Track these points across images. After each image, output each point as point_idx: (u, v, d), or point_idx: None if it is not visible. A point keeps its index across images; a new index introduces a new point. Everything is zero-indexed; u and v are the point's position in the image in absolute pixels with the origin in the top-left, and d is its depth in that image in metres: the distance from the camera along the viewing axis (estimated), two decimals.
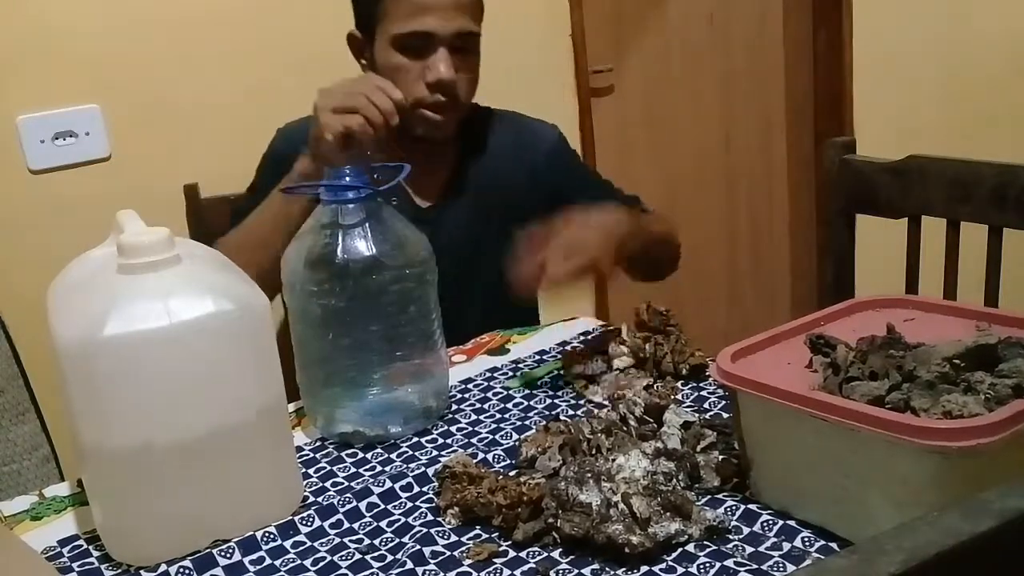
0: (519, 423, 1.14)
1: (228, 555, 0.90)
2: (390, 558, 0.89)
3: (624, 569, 0.83)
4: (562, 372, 1.25)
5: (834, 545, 0.84)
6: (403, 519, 0.95)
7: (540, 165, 1.54)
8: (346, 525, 0.95)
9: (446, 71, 1.36)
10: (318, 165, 1.29)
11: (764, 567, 0.82)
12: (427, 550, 0.89)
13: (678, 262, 1.58)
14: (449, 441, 1.11)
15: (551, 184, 1.52)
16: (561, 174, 1.55)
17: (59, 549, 0.95)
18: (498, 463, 1.04)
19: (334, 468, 1.07)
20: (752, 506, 0.90)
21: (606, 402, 1.16)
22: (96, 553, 0.94)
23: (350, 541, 0.93)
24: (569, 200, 1.45)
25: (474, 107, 1.51)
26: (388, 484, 1.00)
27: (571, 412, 1.15)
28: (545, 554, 0.87)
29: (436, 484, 0.98)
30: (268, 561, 0.90)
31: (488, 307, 1.47)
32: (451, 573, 0.85)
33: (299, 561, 0.90)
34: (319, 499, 1.00)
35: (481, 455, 1.05)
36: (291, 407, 1.16)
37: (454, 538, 0.91)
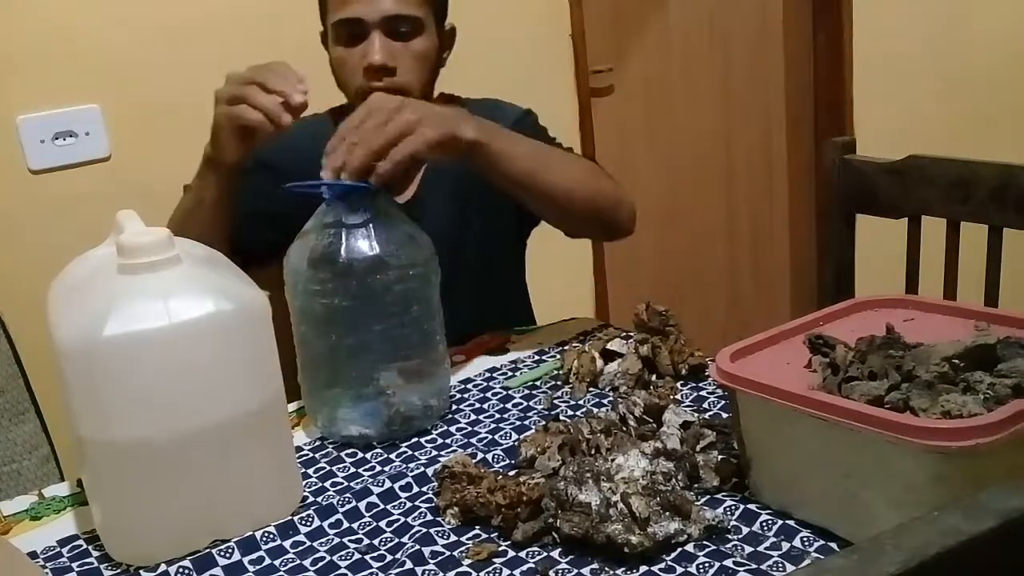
0: (518, 423, 1.14)
1: (227, 555, 0.90)
2: (389, 558, 0.89)
3: (623, 569, 0.83)
4: (561, 372, 1.25)
5: (834, 545, 0.84)
6: (402, 519, 0.95)
7: None
8: (345, 525, 0.95)
9: (376, 55, 1.34)
10: (218, 159, 1.27)
11: (763, 567, 0.82)
12: (426, 550, 0.89)
13: (613, 231, 1.43)
14: (448, 441, 1.11)
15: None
16: None
17: (59, 549, 0.95)
18: (497, 463, 1.04)
19: (334, 468, 1.08)
20: (751, 506, 0.90)
21: (605, 402, 1.16)
22: (96, 553, 0.94)
23: (349, 541, 0.93)
24: None
25: (449, 97, 1.51)
26: (387, 484, 1.00)
27: (570, 412, 1.15)
28: (544, 554, 0.87)
29: (435, 484, 0.98)
30: (268, 561, 0.90)
31: (472, 301, 1.46)
32: (450, 573, 0.86)
33: (298, 561, 0.90)
34: (318, 499, 1.00)
35: (480, 455, 1.05)
36: (291, 407, 1.16)
37: (453, 538, 0.91)
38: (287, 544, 0.92)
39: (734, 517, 0.89)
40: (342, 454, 1.10)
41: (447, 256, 1.43)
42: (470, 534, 0.91)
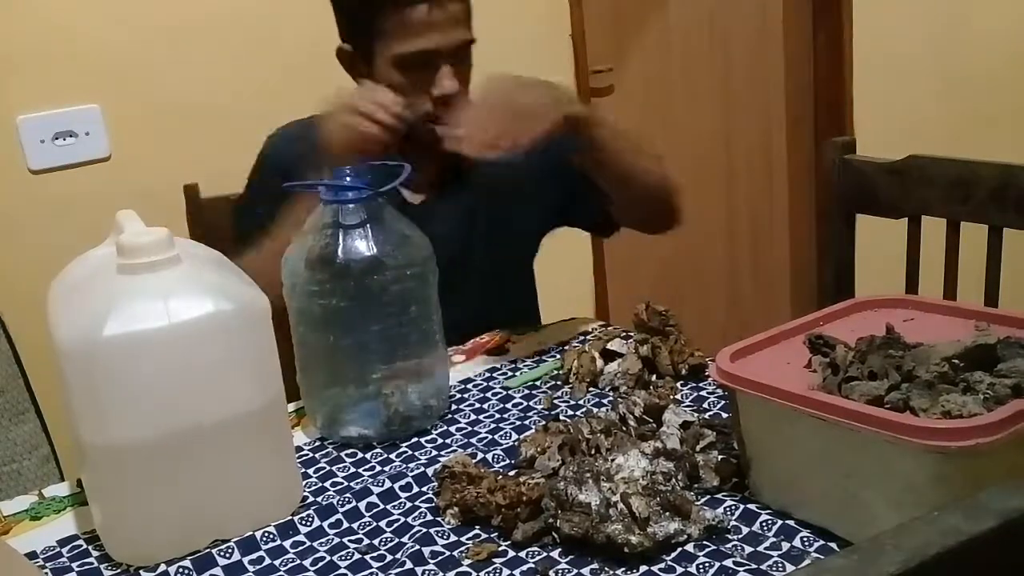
0: (518, 423, 1.14)
1: (227, 555, 0.90)
2: (389, 558, 0.89)
3: (623, 569, 0.83)
4: (561, 372, 1.25)
5: (834, 545, 0.84)
6: (402, 519, 0.95)
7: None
8: (345, 525, 0.95)
9: (452, 86, 1.36)
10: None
11: (763, 567, 0.82)
12: (426, 550, 0.89)
13: (672, 217, 1.56)
14: (448, 441, 1.11)
15: (547, 163, 1.45)
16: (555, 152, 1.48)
17: (59, 549, 0.95)
18: (497, 463, 1.04)
19: (333, 468, 1.07)
20: (751, 506, 0.90)
21: (605, 402, 1.16)
22: (96, 553, 0.94)
23: (349, 541, 0.93)
24: (573, 173, 1.46)
25: None
26: (387, 484, 1.00)
27: (570, 412, 1.15)
28: (544, 554, 0.87)
29: (435, 484, 0.98)
30: (268, 561, 0.90)
31: (480, 301, 1.47)
32: (450, 573, 0.86)
33: (298, 561, 0.90)
34: (318, 499, 1.00)
35: (480, 455, 1.05)
36: (291, 407, 1.16)
37: (453, 538, 0.91)
38: (287, 544, 0.92)
39: (734, 517, 0.89)
40: (342, 454, 1.10)
41: (456, 257, 1.45)
42: (470, 534, 0.91)
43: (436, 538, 0.91)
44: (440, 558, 0.88)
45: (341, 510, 0.97)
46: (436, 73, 1.36)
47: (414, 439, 1.12)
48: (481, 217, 1.50)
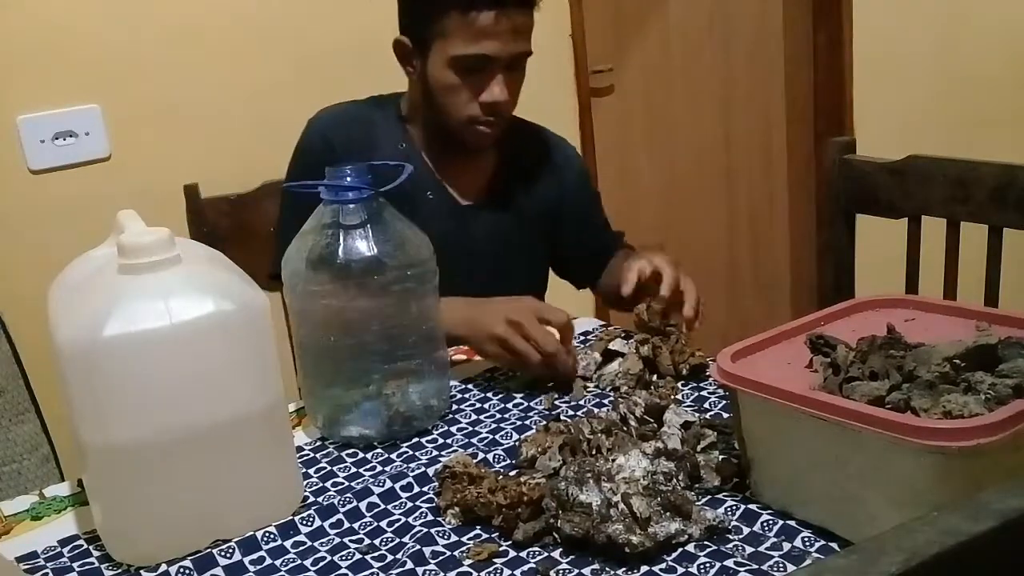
0: (519, 423, 1.14)
1: (228, 555, 0.90)
2: (390, 558, 0.89)
3: (624, 569, 0.83)
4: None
5: (834, 545, 0.84)
6: (403, 519, 0.95)
7: (571, 185, 1.58)
8: (346, 525, 0.95)
9: (501, 94, 1.37)
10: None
11: (764, 567, 0.82)
12: (427, 550, 0.89)
13: None
14: (449, 441, 1.11)
15: (575, 204, 1.57)
16: (584, 198, 1.61)
17: (59, 549, 0.95)
18: (498, 463, 1.04)
19: (334, 468, 1.07)
20: (752, 506, 0.90)
21: (606, 402, 1.16)
22: (96, 553, 0.94)
23: (350, 541, 0.93)
24: (581, 225, 1.57)
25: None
26: (388, 484, 1.00)
27: (571, 412, 1.15)
28: (545, 554, 0.87)
29: (436, 484, 0.98)
30: (268, 561, 0.90)
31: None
32: (451, 573, 0.85)
33: (299, 561, 0.90)
34: (319, 499, 1.00)
35: (481, 455, 1.05)
36: (291, 407, 1.16)
37: (454, 538, 0.91)
38: (288, 544, 0.92)
39: (735, 517, 0.89)
40: (343, 454, 1.10)
41: (500, 259, 1.47)
42: (471, 534, 0.91)
43: (437, 538, 0.91)
44: (441, 558, 0.88)
45: (342, 510, 0.97)
46: (489, 80, 1.37)
47: (415, 439, 1.12)
48: (525, 228, 1.53)
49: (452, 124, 1.41)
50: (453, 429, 1.14)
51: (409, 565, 0.87)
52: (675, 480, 0.91)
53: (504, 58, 1.36)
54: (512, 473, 0.99)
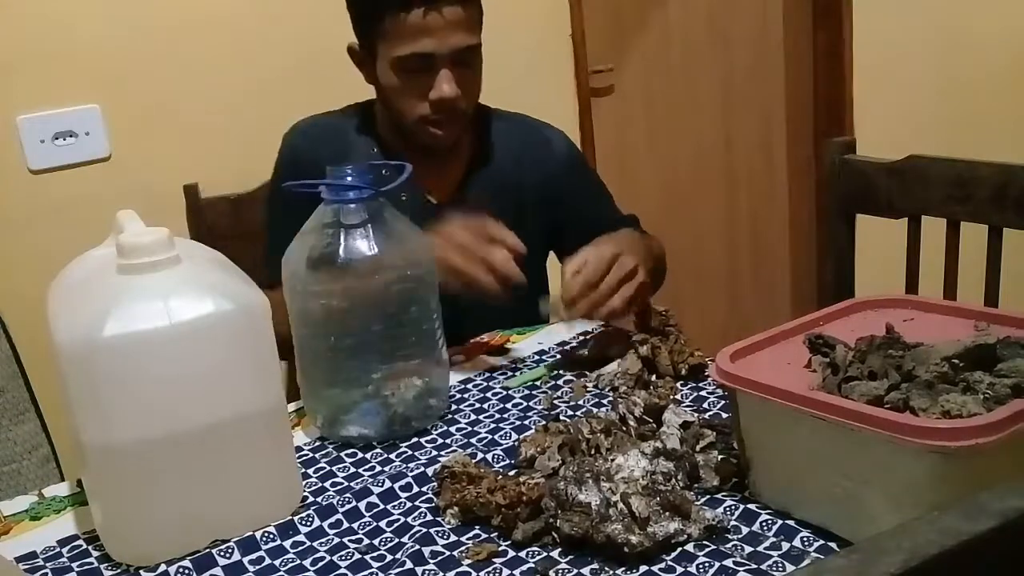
0: (518, 423, 1.14)
1: (228, 555, 0.90)
2: (389, 558, 0.89)
3: (623, 569, 0.83)
4: (561, 372, 1.25)
5: (834, 545, 0.84)
6: (402, 519, 0.95)
7: (555, 169, 1.54)
8: (345, 525, 0.95)
9: (449, 90, 1.37)
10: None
11: (763, 567, 0.82)
12: (426, 550, 0.89)
13: (663, 278, 1.58)
14: (448, 441, 1.11)
15: (564, 187, 1.53)
16: (573, 179, 1.56)
17: (59, 549, 0.95)
18: (497, 463, 1.04)
19: (333, 468, 1.07)
20: (751, 506, 0.90)
21: (605, 402, 1.16)
22: (96, 553, 0.94)
23: (349, 541, 0.93)
24: (578, 209, 1.51)
25: (482, 108, 1.52)
26: (387, 484, 1.00)
27: (570, 412, 1.15)
28: (544, 554, 0.87)
29: (435, 484, 0.98)
30: (268, 561, 0.90)
31: (493, 306, 1.47)
32: (450, 573, 0.86)
33: (298, 561, 0.90)
34: (319, 499, 1.00)
35: (480, 455, 1.05)
36: (291, 407, 1.16)
37: (453, 538, 0.91)
38: (287, 544, 0.92)
39: (734, 517, 0.89)
40: (342, 454, 1.10)
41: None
42: (470, 534, 0.91)
43: (436, 538, 0.91)
44: (440, 558, 0.88)
45: (341, 510, 0.97)
46: (435, 77, 1.36)
47: (414, 439, 1.12)
48: (503, 223, 1.50)
49: (406, 125, 1.41)
50: (452, 429, 1.14)
51: (408, 565, 0.87)
52: (674, 480, 0.91)
53: (445, 53, 1.35)
54: (511, 473, 0.99)
